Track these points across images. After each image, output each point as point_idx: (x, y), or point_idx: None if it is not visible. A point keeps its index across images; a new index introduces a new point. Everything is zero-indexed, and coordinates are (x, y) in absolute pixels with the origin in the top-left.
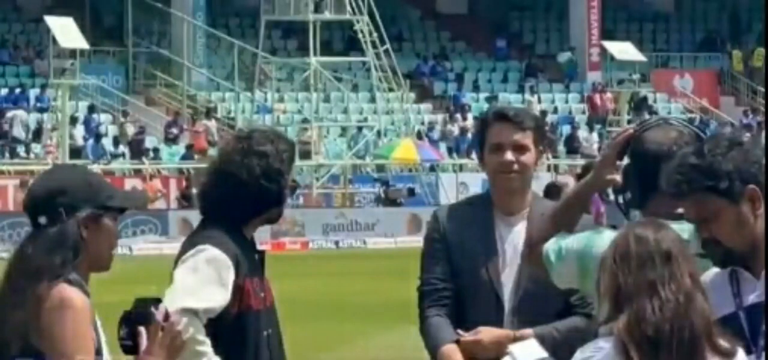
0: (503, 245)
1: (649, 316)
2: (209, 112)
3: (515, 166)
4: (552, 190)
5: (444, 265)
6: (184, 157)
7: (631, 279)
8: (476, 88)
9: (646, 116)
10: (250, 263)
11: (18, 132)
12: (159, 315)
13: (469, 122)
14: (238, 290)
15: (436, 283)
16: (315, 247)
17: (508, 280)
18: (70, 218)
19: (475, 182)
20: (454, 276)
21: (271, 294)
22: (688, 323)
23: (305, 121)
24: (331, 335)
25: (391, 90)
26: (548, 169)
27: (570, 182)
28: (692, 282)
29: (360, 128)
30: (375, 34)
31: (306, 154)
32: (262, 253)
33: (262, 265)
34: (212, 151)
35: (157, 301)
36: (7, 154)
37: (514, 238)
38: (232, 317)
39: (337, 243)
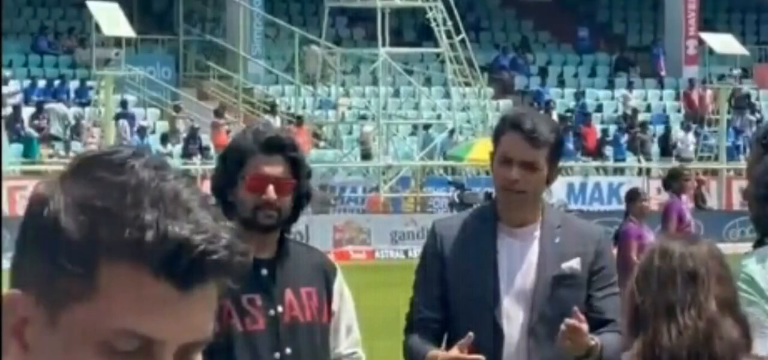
0: (508, 263)
1: (665, 343)
2: (273, 108)
3: (519, 186)
4: (633, 197)
5: (437, 289)
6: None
7: (649, 299)
8: (561, 83)
9: (748, 115)
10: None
11: (56, 128)
12: None
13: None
14: (219, 311)
15: (425, 312)
16: (382, 257)
17: (511, 304)
18: None
19: (560, 187)
20: (449, 299)
21: (297, 309)
22: (707, 353)
23: (363, 117)
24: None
25: (467, 84)
26: (639, 172)
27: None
28: (719, 307)
29: (429, 126)
30: (450, 23)
31: (366, 155)
32: (272, 264)
33: (273, 277)
34: None
35: None
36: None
37: (520, 253)
38: (219, 339)
39: (406, 252)
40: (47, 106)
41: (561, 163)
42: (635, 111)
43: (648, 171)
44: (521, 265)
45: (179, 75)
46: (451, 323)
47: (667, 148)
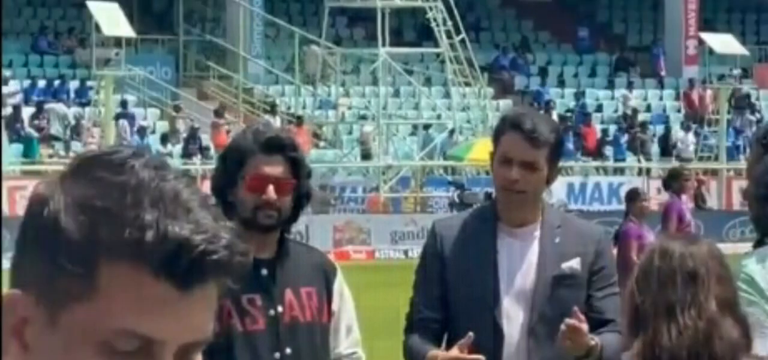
0: (508, 263)
1: (665, 342)
2: (273, 108)
3: (519, 186)
4: (633, 197)
5: (437, 289)
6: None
7: (649, 299)
8: (561, 82)
9: (748, 115)
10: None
11: (56, 128)
12: None
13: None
14: (219, 311)
15: (425, 312)
16: (382, 257)
17: (511, 304)
18: None
19: (560, 187)
20: (449, 299)
21: (297, 309)
22: (707, 353)
23: (363, 117)
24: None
25: (467, 84)
26: (639, 172)
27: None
28: (719, 307)
29: (429, 126)
30: (450, 23)
31: (366, 155)
32: (272, 264)
33: (273, 277)
34: None
35: None
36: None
37: (520, 253)
38: (219, 339)
39: (406, 252)
40: (47, 106)
41: (561, 163)
42: (635, 111)
43: (648, 171)
44: (521, 265)
45: (179, 75)
46: (451, 323)
47: (667, 148)
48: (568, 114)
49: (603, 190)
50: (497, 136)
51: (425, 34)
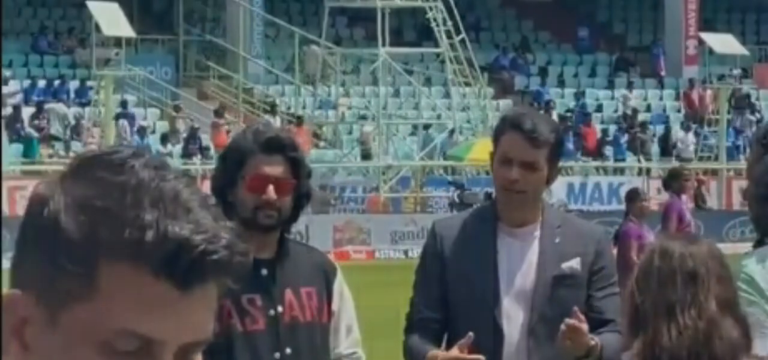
0: (508, 263)
1: (665, 343)
2: (273, 108)
3: (519, 186)
4: (633, 197)
5: (437, 289)
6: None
7: (649, 299)
8: (561, 82)
9: (748, 115)
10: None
11: (56, 128)
12: None
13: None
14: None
15: (425, 312)
16: (382, 257)
17: (511, 304)
18: None
19: (560, 187)
20: (449, 299)
21: (297, 309)
22: (707, 353)
23: (363, 117)
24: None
25: (467, 84)
26: (639, 172)
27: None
28: (719, 307)
29: (429, 126)
30: (450, 23)
31: (366, 155)
32: (272, 264)
33: (273, 277)
34: None
35: None
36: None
37: (520, 253)
38: (219, 339)
39: (406, 252)
40: (47, 106)
41: (561, 163)
42: (635, 111)
43: (648, 171)
44: (521, 265)
45: (179, 75)
46: (451, 323)
47: (667, 148)
48: (568, 114)
49: (603, 190)
50: (497, 136)
51: (425, 34)
